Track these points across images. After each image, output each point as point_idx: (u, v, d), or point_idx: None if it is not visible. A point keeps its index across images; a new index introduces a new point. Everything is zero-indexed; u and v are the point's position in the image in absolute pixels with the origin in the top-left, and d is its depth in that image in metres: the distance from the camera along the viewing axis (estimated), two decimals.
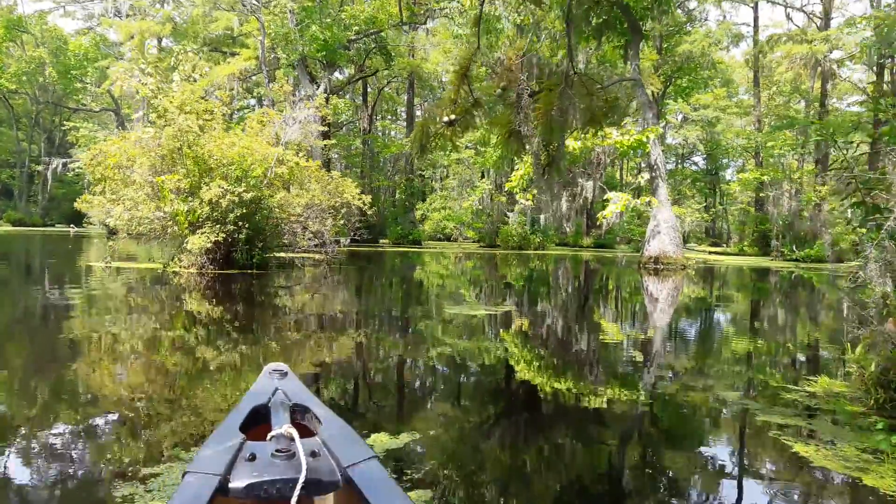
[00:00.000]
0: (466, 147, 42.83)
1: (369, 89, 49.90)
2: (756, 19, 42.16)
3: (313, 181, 18.74)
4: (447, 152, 43.27)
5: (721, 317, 11.39)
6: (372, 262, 24.38)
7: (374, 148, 48.51)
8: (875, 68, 35.23)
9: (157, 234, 15.60)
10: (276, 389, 2.34)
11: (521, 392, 5.32)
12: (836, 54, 33.80)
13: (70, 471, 3.20)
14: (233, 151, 14.81)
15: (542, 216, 22.43)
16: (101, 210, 15.81)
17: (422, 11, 37.57)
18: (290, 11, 35.01)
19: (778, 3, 36.61)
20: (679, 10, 38.51)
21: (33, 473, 3.16)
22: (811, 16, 35.44)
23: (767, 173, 35.89)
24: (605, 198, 21.01)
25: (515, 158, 23.00)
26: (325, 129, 34.29)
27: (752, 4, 41.67)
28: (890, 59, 33.72)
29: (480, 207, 40.03)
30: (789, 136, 35.85)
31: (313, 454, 1.86)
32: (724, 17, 39.88)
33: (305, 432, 2.08)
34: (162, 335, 7.07)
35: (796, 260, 32.05)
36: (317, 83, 35.75)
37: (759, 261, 32.43)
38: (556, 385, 5.37)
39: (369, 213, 21.26)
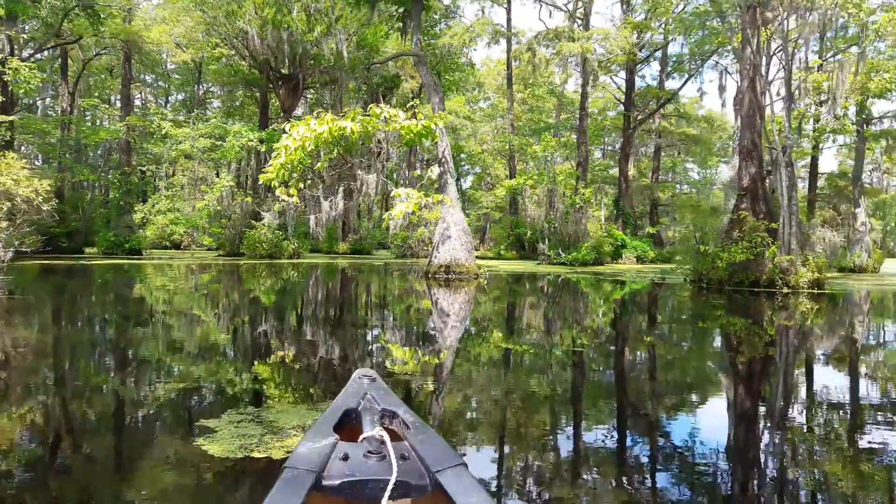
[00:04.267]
0: (201, 137, 35.89)
1: (71, 63, 40.10)
2: (509, 20, 41.35)
3: None
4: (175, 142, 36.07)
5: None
6: (71, 280, 17.43)
7: (79, 135, 38.98)
8: (626, 73, 36.09)
9: None
10: (366, 394, 2.43)
11: None
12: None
13: None
14: None
15: (311, 217, 17.50)
16: None
17: None
18: None
19: (542, 1, 35.62)
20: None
21: None
22: (573, 15, 34.99)
23: (532, 176, 34.78)
24: (391, 195, 16.79)
25: (273, 146, 17.77)
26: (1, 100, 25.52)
27: (505, 5, 40.79)
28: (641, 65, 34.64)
29: (220, 209, 33.48)
30: (550, 138, 35.12)
31: (403, 457, 1.92)
32: (483, 11, 38.10)
33: (395, 436, 2.13)
34: None
35: (563, 263, 31.03)
36: None
37: (526, 265, 30.84)
38: None
39: (46, 207, 14.01)
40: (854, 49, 27.88)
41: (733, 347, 8.84)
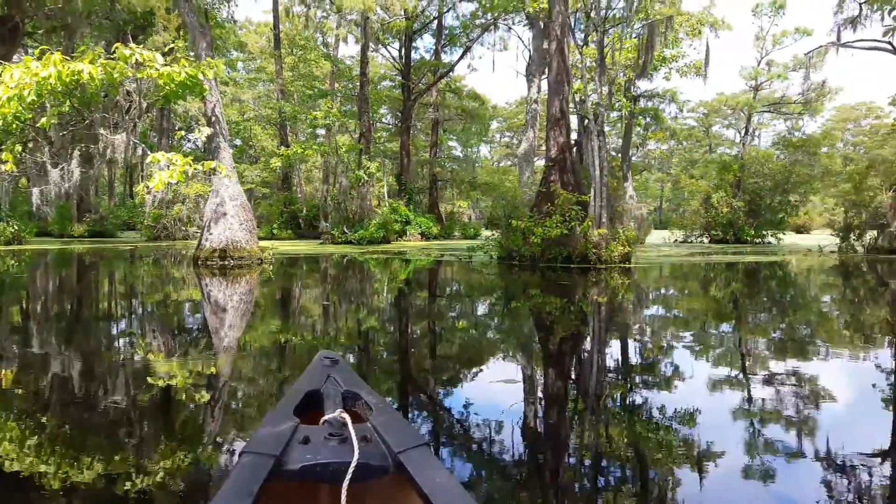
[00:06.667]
0: None
1: None
2: None
3: None
4: None
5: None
6: None
7: None
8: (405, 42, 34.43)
9: None
10: (329, 376, 2.32)
11: None
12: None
13: None
14: None
15: (35, 190, 13.24)
16: None
17: None
18: None
19: None
20: None
21: None
22: None
23: (311, 146, 31.73)
24: (147, 161, 13.18)
25: None
26: None
27: None
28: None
29: None
30: (330, 103, 32.26)
31: (365, 439, 1.84)
32: None
33: (357, 418, 2.03)
34: None
35: (349, 242, 28.75)
36: None
37: (309, 245, 28.05)
38: None
39: None
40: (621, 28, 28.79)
41: (545, 326, 8.43)
